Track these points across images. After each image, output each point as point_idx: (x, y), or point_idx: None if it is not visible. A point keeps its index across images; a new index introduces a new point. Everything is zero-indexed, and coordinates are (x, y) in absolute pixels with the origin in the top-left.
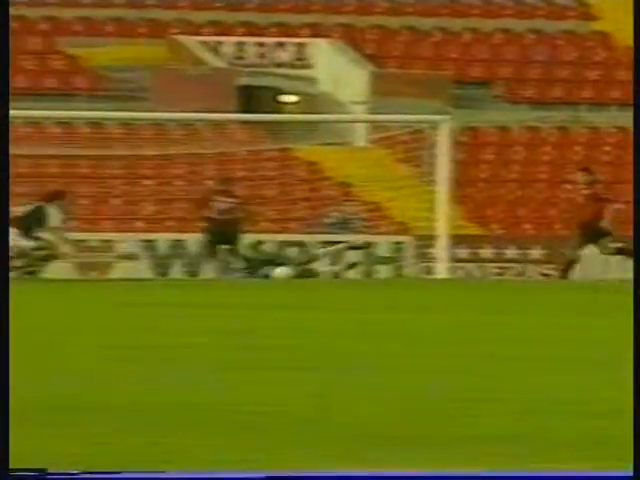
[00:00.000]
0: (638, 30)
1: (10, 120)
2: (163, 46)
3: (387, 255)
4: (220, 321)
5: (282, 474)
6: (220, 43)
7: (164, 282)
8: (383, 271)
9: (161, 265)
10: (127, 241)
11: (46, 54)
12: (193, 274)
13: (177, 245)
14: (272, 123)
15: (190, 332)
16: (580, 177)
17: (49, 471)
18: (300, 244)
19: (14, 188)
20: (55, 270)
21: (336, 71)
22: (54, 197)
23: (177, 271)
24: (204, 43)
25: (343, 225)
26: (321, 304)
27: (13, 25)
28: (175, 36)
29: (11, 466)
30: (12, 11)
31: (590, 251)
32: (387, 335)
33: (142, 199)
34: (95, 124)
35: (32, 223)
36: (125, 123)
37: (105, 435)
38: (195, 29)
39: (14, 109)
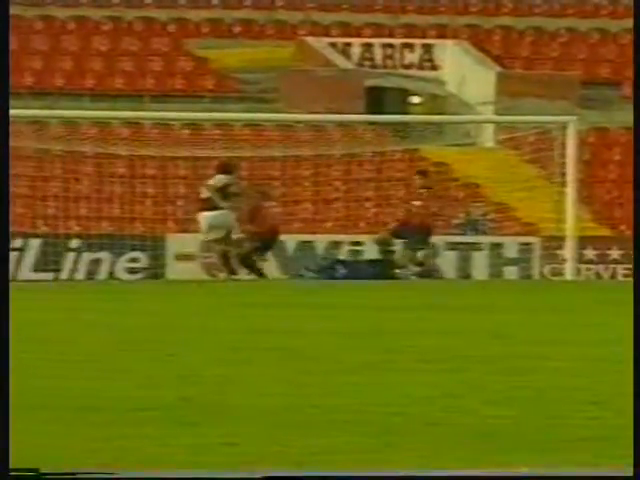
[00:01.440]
0: (638, 30)
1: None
2: (291, 47)
3: (515, 256)
4: (347, 322)
5: (281, 474)
6: (348, 44)
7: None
8: (511, 272)
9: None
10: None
11: (174, 55)
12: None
13: (307, 246)
14: (399, 124)
15: (317, 332)
16: None
17: (48, 471)
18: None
19: (154, 188)
20: (185, 270)
21: (463, 72)
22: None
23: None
24: (332, 44)
25: (471, 226)
26: (448, 305)
27: (141, 26)
28: (303, 37)
29: (11, 466)
30: (141, 13)
31: None
32: (515, 336)
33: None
34: (222, 125)
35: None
36: (251, 125)
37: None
38: (323, 30)
39: (144, 111)
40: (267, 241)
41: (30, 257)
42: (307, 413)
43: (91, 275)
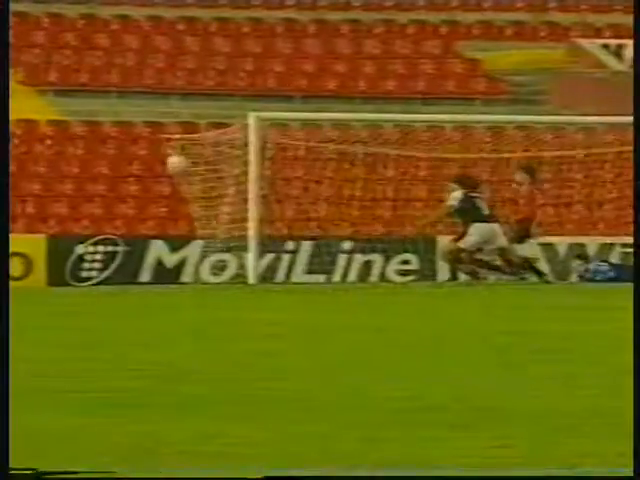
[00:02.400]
0: (638, 29)
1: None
2: (562, 49)
3: None
4: (615, 324)
5: (280, 474)
6: (620, 46)
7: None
8: None
9: (561, 269)
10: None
11: (445, 58)
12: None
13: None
14: None
15: (587, 334)
16: None
17: (47, 470)
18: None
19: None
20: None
21: None
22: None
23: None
24: (604, 46)
25: None
26: None
27: (413, 29)
28: (575, 39)
29: (11, 465)
30: (413, 16)
31: None
32: None
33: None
34: (492, 128)
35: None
36: (522, 127)
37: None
38: (595, 32)
39: (415, 113)
40: (522, 232)
41: (302, 259)
42: (577, 416)
43: (363, 277)
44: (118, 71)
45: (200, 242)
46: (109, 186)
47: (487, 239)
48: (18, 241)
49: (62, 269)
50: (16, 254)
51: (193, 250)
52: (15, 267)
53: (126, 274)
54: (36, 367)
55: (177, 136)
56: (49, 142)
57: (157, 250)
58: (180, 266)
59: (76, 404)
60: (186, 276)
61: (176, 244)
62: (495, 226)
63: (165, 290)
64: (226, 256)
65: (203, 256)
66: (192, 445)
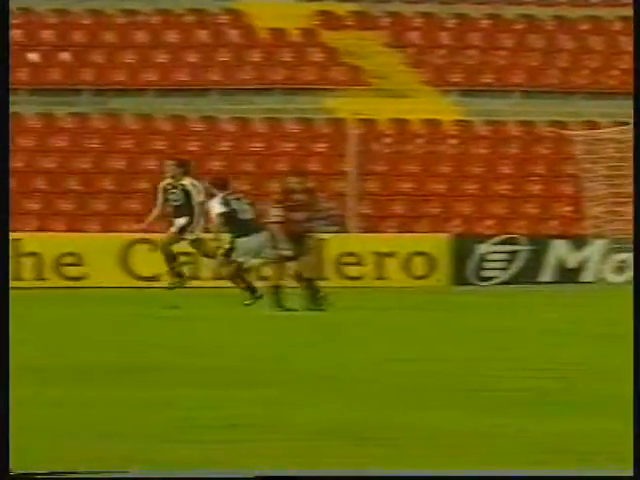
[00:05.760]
0: (638, 29)
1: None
2: None
3: None
4: None
5: (274, 474)
6: None
7: None
8: None
9: None
10: None
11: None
12: None
13: None
14: None
15: None
16: None
17: (47, 471)
18: None
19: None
20: None
21: None
22: None
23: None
24: None
25: None
26: None
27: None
28: None
29: (11, 467)
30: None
31: None
32: None
33: None
34: None
35: None
36: None
37: None
38: None
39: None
40: None
41: None
42: None
43: None
44: (523, 71)
45: (602, 242)
46: (513, 186)
47: None
48: (422, 240)
49: (465, 268)
50: (419, 253)
51: (595, 250)
52: (418, 266)
53: (527, 274)
54: (448, 366)
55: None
56: (453, 142)
57: (559, 250)
58: (581, 266)
59: (488, 403)
60: (587, 276)
61: (578, 243)
62: None
63: (566, 290)
64: (626, 256)
65: (605, 256)
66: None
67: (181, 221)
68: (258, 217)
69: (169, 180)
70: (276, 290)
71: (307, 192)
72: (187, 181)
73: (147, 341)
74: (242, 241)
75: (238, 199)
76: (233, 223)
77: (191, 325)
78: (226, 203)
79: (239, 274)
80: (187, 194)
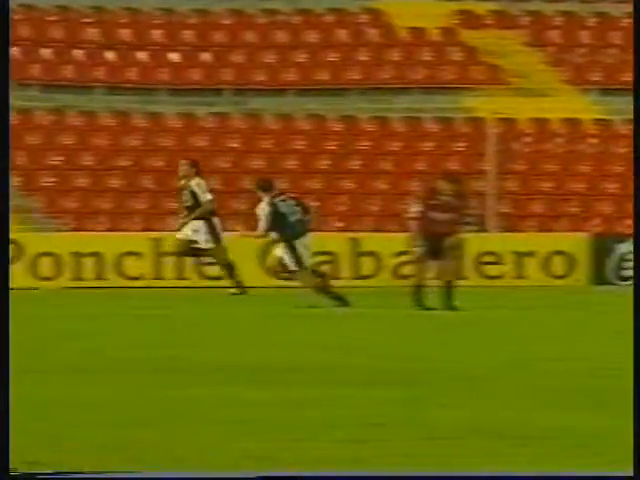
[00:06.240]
0: (638, 29)
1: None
2: None
3: None
4: None
5: (276, 474)
6: None
7: None
8: None
9: None
10: None
11: None
12: None
13: None
14: None
15: None
16: None
17: (47, 471)
18: None
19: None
20: None
21: None
22: None
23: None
24: None
25: None
26: None
27: None
28: None
29: (11, 466)
30: None
31: None
32: None
33: None
34: None
35: None
36: None
37: None
38: None
39: None
40: None
41: None
42: None
43: None
44: None
45: None
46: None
47: None
48: (561, 240)
49: (604, 268)
50: (559, 253)
51: None
52: (557, 266)
53: None
54: (591, 365)
55: None
56: (593, 141)
57: None
58: None
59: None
60: None
61: None
62: None
63: None
64: None
65: None
66: None
67: (194, 225)
68: (307, 218)
69: (182, 181)
70: (417, 289)
71: (458, 196)
72: (194, 181)
73: (298, 341)
74: (300, 243)
75: (284, 200)
76: (283, 225)
77: (331, 324)
78: (273, 205)
79: (324, 285)
80: (194, 195)
